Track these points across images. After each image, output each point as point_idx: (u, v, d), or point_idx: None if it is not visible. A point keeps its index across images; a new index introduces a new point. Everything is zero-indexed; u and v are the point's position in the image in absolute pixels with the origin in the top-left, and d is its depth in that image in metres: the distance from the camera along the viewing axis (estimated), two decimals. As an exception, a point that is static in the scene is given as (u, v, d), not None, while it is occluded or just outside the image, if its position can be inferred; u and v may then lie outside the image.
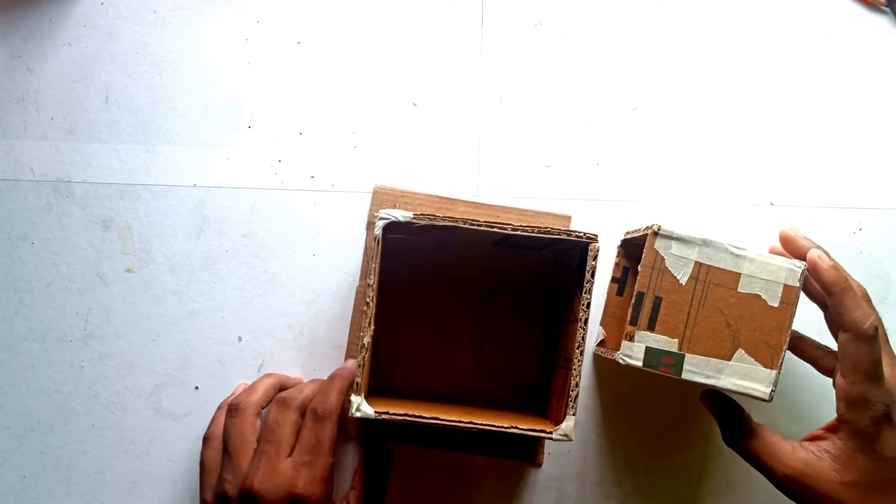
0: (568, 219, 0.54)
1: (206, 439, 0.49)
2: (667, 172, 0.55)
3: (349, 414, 0.43)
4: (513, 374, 0.52)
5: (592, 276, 0.44)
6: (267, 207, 0.54)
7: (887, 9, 0.56)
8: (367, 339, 0.43)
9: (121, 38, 0.55)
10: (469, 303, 0.53)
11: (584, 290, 0.44)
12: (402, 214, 0.44)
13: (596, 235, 0.44)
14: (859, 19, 0.56)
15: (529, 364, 0.52)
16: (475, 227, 0.44)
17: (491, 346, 0.53)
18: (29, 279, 0.53)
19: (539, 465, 0.53)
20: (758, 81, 0.56)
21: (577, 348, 0.43)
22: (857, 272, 0.54)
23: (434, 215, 0.44)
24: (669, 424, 0.53)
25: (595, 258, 0.44)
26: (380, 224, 0.44)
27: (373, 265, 0.44)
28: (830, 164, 0.55)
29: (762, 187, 0.55)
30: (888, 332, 0.54)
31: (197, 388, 0.53)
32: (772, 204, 0.55)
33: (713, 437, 0.53)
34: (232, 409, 0.48)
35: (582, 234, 0.44)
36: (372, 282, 0.43)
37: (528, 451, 0.52)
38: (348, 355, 0.53)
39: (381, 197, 0.53)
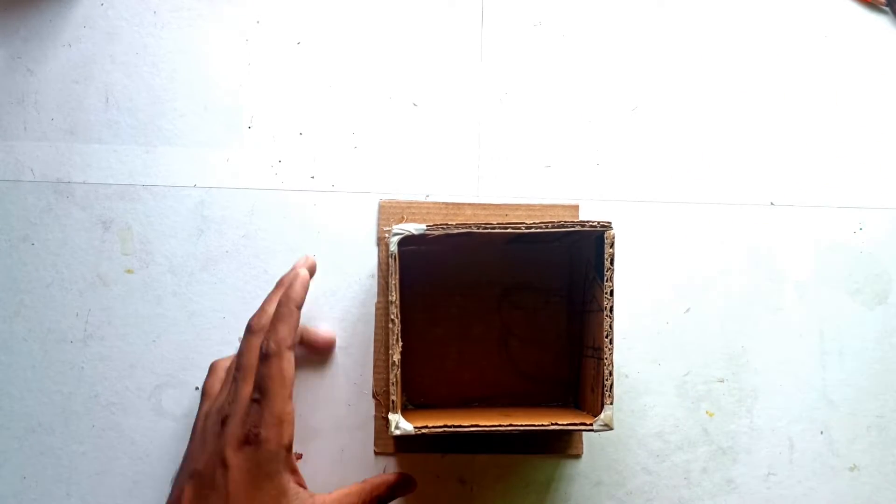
0: (576, 208, 0.54)
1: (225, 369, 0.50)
2: (667, 172, 0.55)
3: (389, 432, 0.43)
4: (540, 368, 0.52)
5: (612, 263, 0.44)
6: (267, 208, 0.54)
7: (887, 9, 0.56)
8: (396, 357, 0.43)
9: (121, 38, 0.55)
10: (488, 303, 0.53)
11: (606, 278, 0.44)
12: (415, 227, 0.44)
13: (610, 223, 0.44)
14: (859, 19, 0.56)
15: (556, 357, 0.52)
16: (489, 231, 0.44)
17: (515, 344, 0.53)
18: (29, 280, 0.53)
19: (578, 455, 0.53)
20: (758, 81, 0.56)
21: (606, 337, 0.44)
22: (857, 272, 0.54)
23: (447, 224, 0.44)
24: (669, 424, 0.53)
25: (612, 245, 0.44)
26: (394, 240, 0.44)
27: (392, 282, 0.44)
28: (830, 164, 0.55)
29: (762, 187, 0.55)
30: (888, 332, 0.54)
31: (197, 388, 0.53)
32: (772, 204, 0.55)
33: (713, 437, 0.53)
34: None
35: (596, 223, 0.44)
36: (394, 299, 0.43)
37: (564, 443, 0.52)
38: (375, 374, 0.52)
39: (388, 211, 0.53)
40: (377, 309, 0.52)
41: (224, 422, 0.44)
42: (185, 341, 0.53)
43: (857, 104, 0.56)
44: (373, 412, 0.52)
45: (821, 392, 0.53)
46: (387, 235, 0.45)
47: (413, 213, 0.53)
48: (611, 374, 0.44)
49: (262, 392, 0.43)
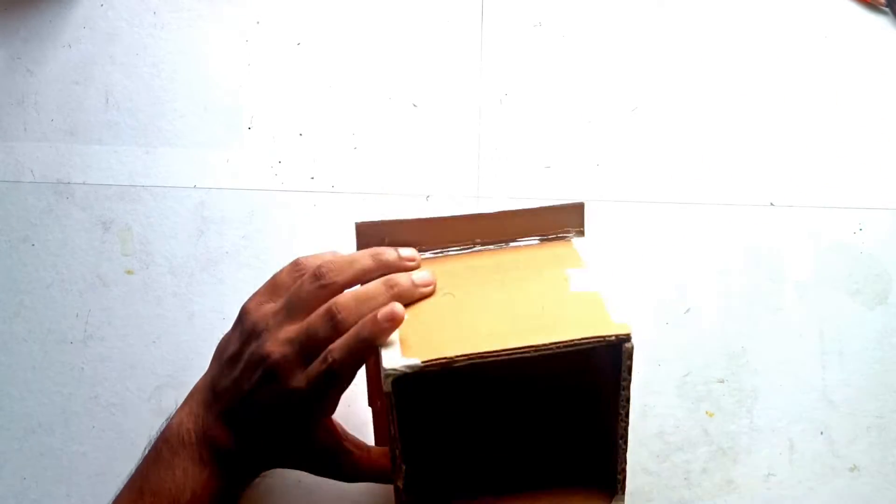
0: (581, 206, 0.48)
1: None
2: (667, 173, 0.55)
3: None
4: None
5: (629, 373, 0.41)
6: (267, 209, 0.54)
7: (887, 9, 0.56)
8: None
9: (121, 39, 0.55)
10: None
11: (623, 387, 0.41)
12: (408, 365, 0.38)
13: (628, 335, 0.40)
14: (859, 19, 0.56)
15: None
16: (498, 359, 0.39)
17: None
18: (29, 281, 0.53)
19: None
20: (758, 81, 0.56)
21: (620, 439, 0.42)
22: (857, 272, 0.54)
23: (450, 358, 0.38)
24: (669, 424, 0.53)
25: (630, 357, 0.40)
26: (388, 382, 0.38)
27: (392, 430, 0.39)
28: (830, 164, 0.55)
29: (762, 187, 0.55)
30: (888, 332, 0.54)
31: (197, 389, 0.53)
32: (772, 204, 0.55)
33: (713, 437, 0.53)
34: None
35: (613, 337, 0.39)
36: (395, 433, 0.39)
37: None
38: (369, 385, 0.50)
39: (366, 236, 0.45)
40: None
41: (259, 383, 0.43)
42: (186, 342, 0.53)
43: (857, 104, 0.55)
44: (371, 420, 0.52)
45: (821, 392, 0.53)
46: None
47: (395, 235, 0.45)
48: (623, 470, 0.42)
49: (316, 395, 0.43)
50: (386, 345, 0.40)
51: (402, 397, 0.39)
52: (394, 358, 0.38)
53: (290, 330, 0.43)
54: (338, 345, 0.42)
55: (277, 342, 0.43)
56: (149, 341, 0.53)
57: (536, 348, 0.38)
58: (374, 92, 0.55)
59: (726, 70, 0.56)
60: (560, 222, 0.48)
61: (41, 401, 0.53)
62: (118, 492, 0.45)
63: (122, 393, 0.53)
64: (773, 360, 0.54)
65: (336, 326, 0.43)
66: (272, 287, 0.46)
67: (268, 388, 0.43)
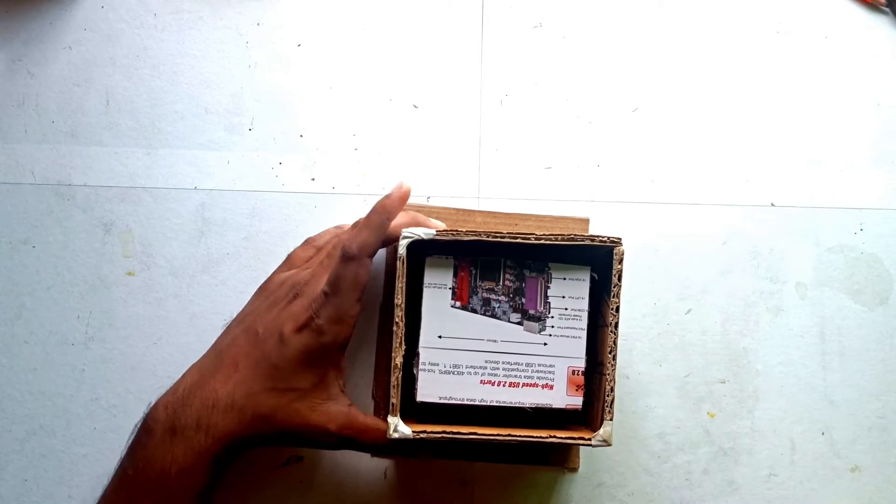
0: (586, 221, 0.53)
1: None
2: (667, 173, 0.55)
3: (387, 435, 0.42)
4: None
5: (619, 279, 0.43)
6: (268, 210, 0.54)
7: (887, 9, 0.56)
8: (398, 360, 0.43)
9: (121, 41, 0.55)
10: None
11: (612, 294, 0.43)
12: (424, 232, 0.44)
13: (620, 239, 0.44)
14: (859, 19, 0.56)
15: None
16: (498, 240, 0.44)
17: None
18: (30, 283, 0.53)
19: (575, 469, 0.52)
20: (758, 82, 0.56)
21: (609, 353, 0.43)
22: (858, 273, 0.54)
23: (457, 230, 0.44)
24: (671, 425, 0.53)
25: (620, 261, 0.43)
26: (403, 243, 0.44)
27: (399, 285, 0.43)
28: (831, 164, 0.55)
29: (762, 187, 0.55)
30: (889, 333, 0.54)
31: (198, 390, 0.53)
32: (772, 204, 0.55)
33: (715, 438, 0.53)
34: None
35: (606, 239, 0.44)
36: (399, 301, 0.43)
37: (562, 456, 0.52)
38: (376, 375, 0.52)
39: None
40: (381, 310, 0.52)
41: (293, 298, 0.46)
42: (187, 343, 0.53)
43: (858, 104, 0.55)
44: (372, 413, 0.52)
45: (822, 393, 0.53)
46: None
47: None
48: (612, 390, 0.43)
49: (333, 289, 0.44)
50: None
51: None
52: (412, 230, 0.44)
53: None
54: (349, 235, 0.46)
55: (304, 273, 0.47)
56: (150, 343, 0.53)
57: (537, 237, 0.44)
58: (374, 93, 0.55)
59: (726, 70, 0.56)
60: (567, 230, 0.52)
61: (42, 402, 0.53)
62: (105, 488, 0.46)
63: (124, 395, 0.53)
64: (775, 360, 0.54)
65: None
66: (288, 261, 0.50)
67: (297, 302, 0.45)
